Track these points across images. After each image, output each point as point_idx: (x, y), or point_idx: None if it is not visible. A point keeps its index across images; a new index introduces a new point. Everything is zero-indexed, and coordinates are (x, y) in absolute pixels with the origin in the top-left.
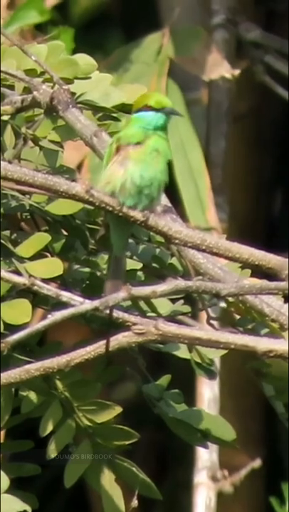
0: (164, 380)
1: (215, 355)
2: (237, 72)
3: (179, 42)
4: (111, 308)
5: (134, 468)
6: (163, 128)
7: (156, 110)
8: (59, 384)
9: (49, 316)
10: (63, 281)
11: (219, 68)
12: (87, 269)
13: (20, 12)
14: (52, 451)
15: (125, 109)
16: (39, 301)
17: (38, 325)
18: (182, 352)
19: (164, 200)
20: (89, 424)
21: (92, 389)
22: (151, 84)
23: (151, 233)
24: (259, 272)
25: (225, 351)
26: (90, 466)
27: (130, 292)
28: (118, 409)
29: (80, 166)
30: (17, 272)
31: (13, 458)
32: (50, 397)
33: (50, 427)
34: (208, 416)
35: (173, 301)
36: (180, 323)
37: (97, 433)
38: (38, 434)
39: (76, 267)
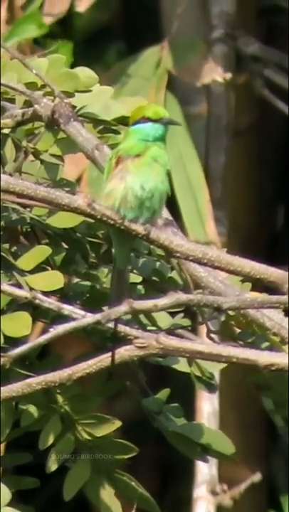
0: (164, 393)
1: (215, 369)
2: (229, 75)
3: (177, 55)
4: (116, 321)
5: (133, 483)
6: (162, 138)
7: (154, 121)
8: (59, 398)
9: (51, 329)
10: (64, 295)
11: (211, 73)
12: (87, 283)
13: (18, 26)
14: (51, 465)
15: (125, 121)
16: (39, 314)
17: (40, 339)
18: (182, 366)
19: (165, 213)
20: (88, 437)
21: (92, 403)
22: (149, 98)
23: (152, 247)
24: (260, 285)
25: (224, 365)
26: (90, 479)
27: (132, 306)
28: (117, 424)
29: (78, 181)
30: (18, 285)
31: (15, 471)
32: (49, 410)
33: (49, 441)
34: (208, 430)
35: (173, 314)
36: (180, 336)
37: (97, 447)
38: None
39: (76, 280)
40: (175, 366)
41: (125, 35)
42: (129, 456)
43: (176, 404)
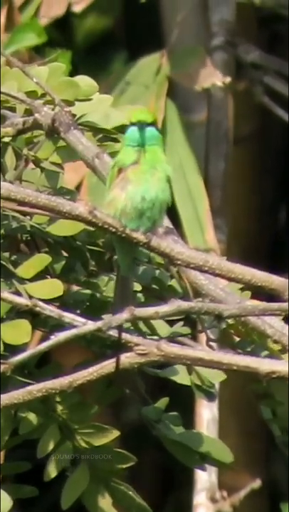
0: (163, 402)
1: (216, 380)
2: (228, 79)
3: (177, 61)
4: (119, 329)
5: (130, 492)
6: (141, 143)
7: (134, 125)
8: (58, 406)
9: (52, 336)
10: (63, 303)
11: (211, 77)
12: (87, 291)
13: (17, 34)
14: (50, 474)
15: (125, 130)
16: (37, 323)
17: (42, 346)
18: (180, 377)
19: (166, 221)
20: (87, 446)
21: (91, 412)
22: (149, 105)
23: (151, 255)
24: (259, 293)
25: (224, 376)
26: (88, 488)
27: (133, 313)
28: (116, 433)
29: (78, 188)
30: (17, 293)
31: (15, 479)
32: (48, 419)
33: (48, 449)
34: (206, 438)
35: (172, 322)
36: (181, 344)
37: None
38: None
39: (76, 288)
40: (173, 378)
41: (128, 42)
42: (128, 465)
43: (175, 413)
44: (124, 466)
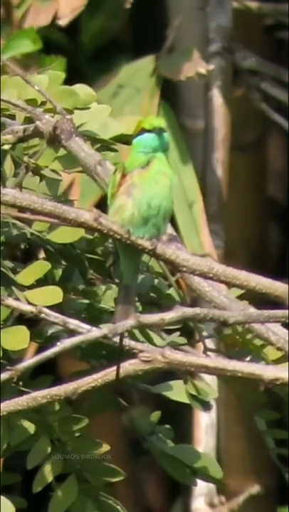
0: (155, 415)
1: (210, 397)
2: (211, 67)
3: (171, 63)
4: (121, 335)
5: (118, 506)
6: (160, 148)
7: (149, 131)
8: (49, 418)
9: (58, 343)
10: (61, 311)
11: (195, 66)
12: (85, 300)
13: (12, 41)
14: (38, 485)
15: (124, 139)
16: (33, 334)
17: (48, 352)
18: (174, 394)
19: (169, 228)
20: (77, 459)
21: (82, 425)
22: (143, 107)
23: (150, 263)
24: (257, 300)
25: (217, 395)
26: (76, 501)
27: (138, 320)
28: (106, 447)
29: (71, 184)
30: (17, 300)
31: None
32: (41, 430)
33: (37, 461)
34: (198, 453)
35: (168, 332)
36: (185, 351)
37: (84, 469)
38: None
39: (74, 297)
40: (166, 393)
41: (135, 46)
42: (117, 479)
43: (167, 426)
44: (113, 480)
